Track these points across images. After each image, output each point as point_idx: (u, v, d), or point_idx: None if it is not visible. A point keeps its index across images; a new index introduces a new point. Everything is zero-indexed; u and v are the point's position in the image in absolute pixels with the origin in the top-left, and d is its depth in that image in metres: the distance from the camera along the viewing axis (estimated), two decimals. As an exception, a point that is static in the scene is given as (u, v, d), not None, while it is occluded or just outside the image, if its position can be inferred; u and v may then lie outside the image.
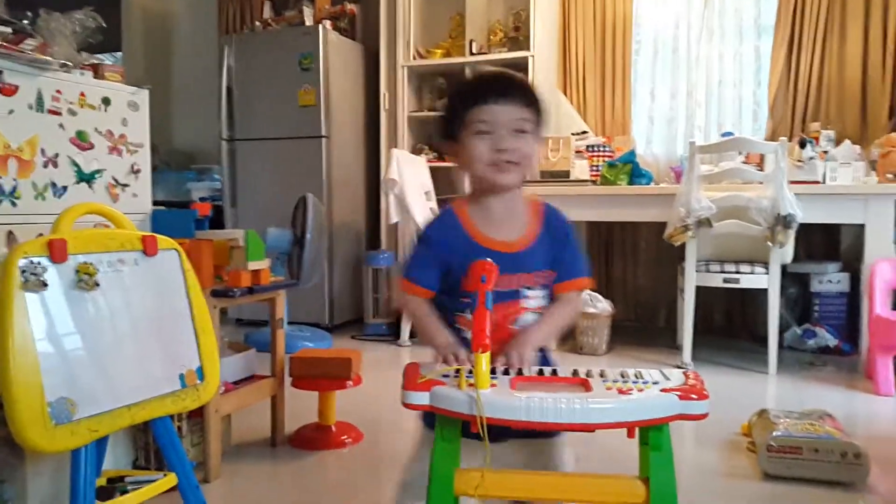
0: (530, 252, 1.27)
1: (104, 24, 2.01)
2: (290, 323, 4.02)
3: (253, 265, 2.02)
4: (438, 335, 1.25)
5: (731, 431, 2.45)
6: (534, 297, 1.28)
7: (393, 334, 4.13)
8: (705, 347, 3.75)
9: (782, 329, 3.67)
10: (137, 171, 2.15)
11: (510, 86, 1.25)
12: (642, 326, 4.55)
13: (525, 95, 1.24)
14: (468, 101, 1.24)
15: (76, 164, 1.97)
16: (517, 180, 1.26)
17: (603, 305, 3.76)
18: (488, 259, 1.15)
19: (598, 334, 3.72)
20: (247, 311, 4.51)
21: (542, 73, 4.29)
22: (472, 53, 4.41)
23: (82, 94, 1.95)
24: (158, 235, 1.62)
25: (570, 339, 3.90)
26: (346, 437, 2.35)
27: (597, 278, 4.60)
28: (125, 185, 2.11)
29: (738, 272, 3.36)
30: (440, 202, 4.32)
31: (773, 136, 4.06)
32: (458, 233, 1.27)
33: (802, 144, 3.55)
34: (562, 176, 3.95)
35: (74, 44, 1.95)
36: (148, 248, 1.59)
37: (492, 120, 1.22)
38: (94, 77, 2.02)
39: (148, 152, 2.20)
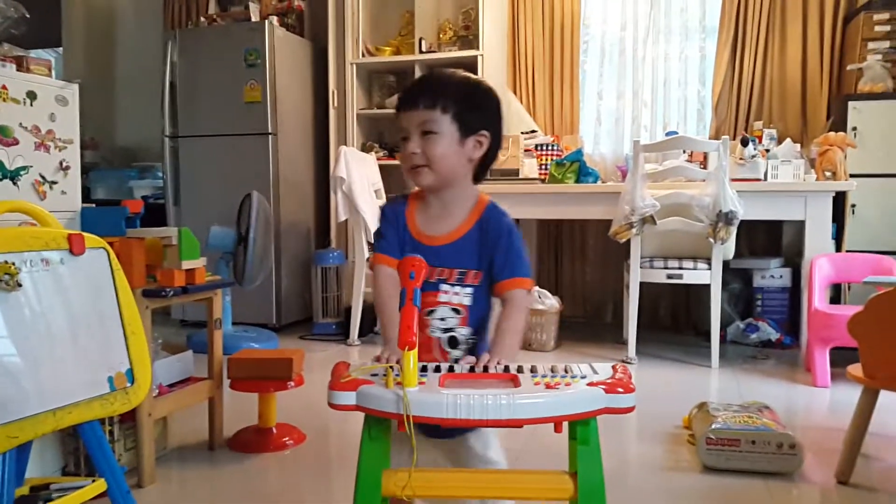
0: (452, 248, 1.31)
1: (27, 15, 1.93)
2: (236, 323, 3.95)
3: (187, 264, 1.96)
4: (386, 329, 1.28)
5: (672, 424, 2.48)
6: (451, 293, 1.30)
7: (342, 333, 4.08)
8: (651, 342, 3.81)
9: (725, 323, 3.75)
10: (66, 168, 2.07)
11: (417, 89, 1.31)
12: (590, 322, 4.60)
13: (430, 97, 1.27)
14: (396, 110, 1.32)
15: (-1, 161, 1.89)
16: (431, 181, 1.29)
17: (551, 302, 3.78)
18: (418, 255, 1.14)
19: (546, 331, 3.73)
20: (191, 311, 4.41)
21: (492, 72, 4.29)
22: (421, 51, 4.40)
23: (4, 87, 1.87)
24: (86, 234, 1.56)
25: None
26: (287, 438, 2.30)
27: (546, 275, 4.63)
28: (53, 183, 2.03)
29: (681, 268, 3.41)
30: (389, 200, 4.28)
31: (717, 135, 4.14)
32: (401, 218, 1.35)
33: (745, 143, 3.62)
34: (511, 174, 3.97)
35: (-7, 33, 1.88)
36: (74, 247, 1.53)
37: (405, 126, 1.28)
38: (18, 70, 1.94)
39: (78, 149, 2.12)
